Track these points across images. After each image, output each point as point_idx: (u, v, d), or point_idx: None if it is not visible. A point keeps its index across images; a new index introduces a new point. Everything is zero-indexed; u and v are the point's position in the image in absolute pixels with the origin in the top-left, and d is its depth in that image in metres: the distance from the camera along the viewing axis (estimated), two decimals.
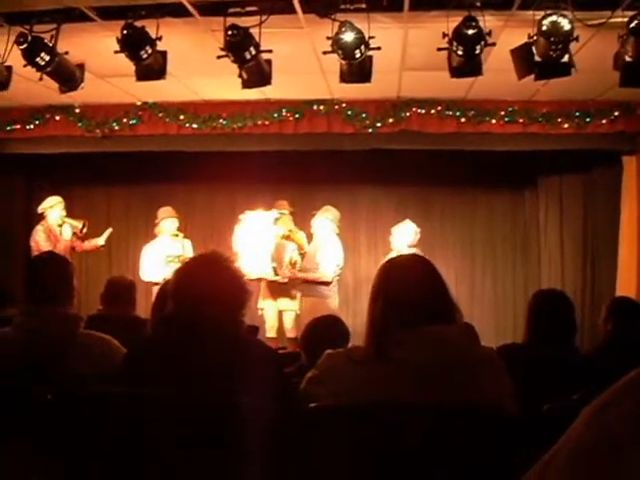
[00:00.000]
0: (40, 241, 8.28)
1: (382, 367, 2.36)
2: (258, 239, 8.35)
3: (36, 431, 2.41)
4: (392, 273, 2.59)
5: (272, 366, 2.61)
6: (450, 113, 8.49)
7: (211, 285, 2.59)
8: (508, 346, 3.83)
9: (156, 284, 7.75)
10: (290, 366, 3.98)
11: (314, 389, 2.49)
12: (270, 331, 8.58)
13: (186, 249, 8.70)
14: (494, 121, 8.48)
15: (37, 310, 3.23)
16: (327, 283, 8.09)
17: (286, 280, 8.34)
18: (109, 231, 8.80)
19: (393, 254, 7.98)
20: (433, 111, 8.52)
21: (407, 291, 2.47)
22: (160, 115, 8.83)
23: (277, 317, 8.69)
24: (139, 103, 8.81)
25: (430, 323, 2.39)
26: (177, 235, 8.78)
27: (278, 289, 8.51)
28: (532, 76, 6.12)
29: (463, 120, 8.51)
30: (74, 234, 8.62)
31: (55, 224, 8.51)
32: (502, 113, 8.46)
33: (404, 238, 8.30)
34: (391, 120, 8.58)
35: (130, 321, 5.01)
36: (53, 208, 8.53)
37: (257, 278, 8.07)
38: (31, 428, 2.41)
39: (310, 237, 8.54)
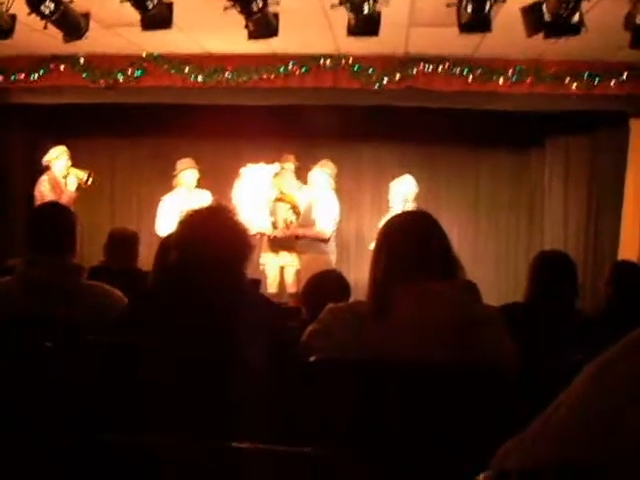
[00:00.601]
0: (45, 191, 8.27)
1: (383, 322, 2.36)
2: (257, 193, 8.34)
3: (33, 379, 2.42)
4: (395, 228, 2.59)
5: (273, 318, 2.61)
6: (457, 71, 8.41)
7: (214, 237, 2.57)
8: (509, 305, 3.84)
9: None
10: (291, 320, 3.99)
11: (315, 342, 2.49)
12: (271, 286, 8.59)
13: (205, 201, 8.63)
14: (501, 80, 8.40)
15: (40, 259, 3.23)
16: (325, 239, 8.09)
17: (284, 235, 8.37)
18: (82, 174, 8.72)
19: (392, 211, 7.97)
20: (440, 68, 8.43)
21: (409, 246, 2.47)
22: (165, 67, 8.75)
23: (279, 272, 8.71)
24: (144, 55, 8.72)
25: (432, 279, 2.40)
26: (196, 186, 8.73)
27: (279, 243, 8.52)
28: (541, 35, 6.06)
29: (470, 78, 8.42)
30: (79, 185, 8.60)
31: (60, 175, 8.49)
32: (510, 72, 8.37)
33: (402, 191, 8.25)
34: (398, 77, 8.51)
35: (132, 273, 5.02)
36: (58, 158, 8.50)
37: (257, 233, 8.06)
38: (29, 375, 2.42)
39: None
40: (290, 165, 8.61)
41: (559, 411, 1.10)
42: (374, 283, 2.48)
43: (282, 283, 8.75)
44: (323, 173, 8.32)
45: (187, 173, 8.74)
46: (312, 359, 2.33)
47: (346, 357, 2.36)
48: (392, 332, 2.33)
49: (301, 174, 8.65)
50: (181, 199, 8.57)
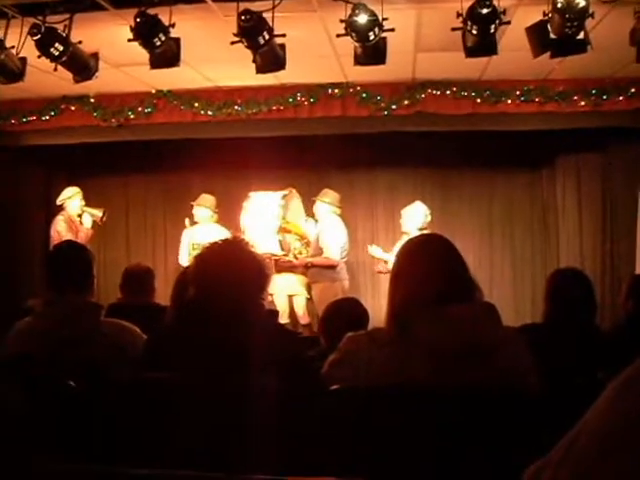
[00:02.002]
0: (62, 231, 8.35)
1: (404, 348, 2.36)
2: (264, 218, 8.39)
3: (58, 419, 2.43)
4: (412, 253, 2.59)
5: (294, 349, 2.61)
6: (465, 94, 8.44)
7: (231, 270, 2.58)
8: (528, 326, 3.82)
9: None
10: (311, 350, 3.98)
11: (336, 372, 2.48)
12: (282, 317, 8.59)
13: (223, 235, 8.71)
14: (510, 101, 8.42)
15: (60, 299, 3.24)
16: (334, 266, 8.08)
17: (293, 266, 8.39)
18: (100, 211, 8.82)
19: (405, 237, 7.97)
20: (448, 92, 8.47)
21: (427, 270, 2.47)
22: (175, 103, 8.82)
23: (287, 302, 8.70)
24: (154, 91, 8.81)
25: (451, 302, 2.39)
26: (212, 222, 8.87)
27: (286, 267, 8.54)
28: (547, 54, 6.07)
29: (479, 101, 8.45)
30: (94, 223, 8.69)
31: (75, 214, 8.60)
32: (518, 93, 8.40)
33: (414, 220, 8.25)
34: (406, 102, 8.54)
35: (150, 309, 5.01)
36: (72, 198, 8.64)
37: (266, 254, 8.07)
38: (54, 416, 2.42)
39: None
40: (295, 194, 8.64)
41: (580, 437, 1.09)
42: (392, 308, 2.48)
43: (292, 314, 8.74)
44: (322, 203, 8.34)
45: (199, 210, 8.87)
46: (334, 388, 2.33)
47: (368, 385, 2.35)
48: (413, 358, 2.32)
49: (310, 206, 8.67)
50: (199, 233, 8.69)
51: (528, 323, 3.93)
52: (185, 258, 8.64)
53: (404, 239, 7.84)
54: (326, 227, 8.18)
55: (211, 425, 2.24)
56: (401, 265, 2.56)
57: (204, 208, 8.89)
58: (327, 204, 8.32)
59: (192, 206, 8.92)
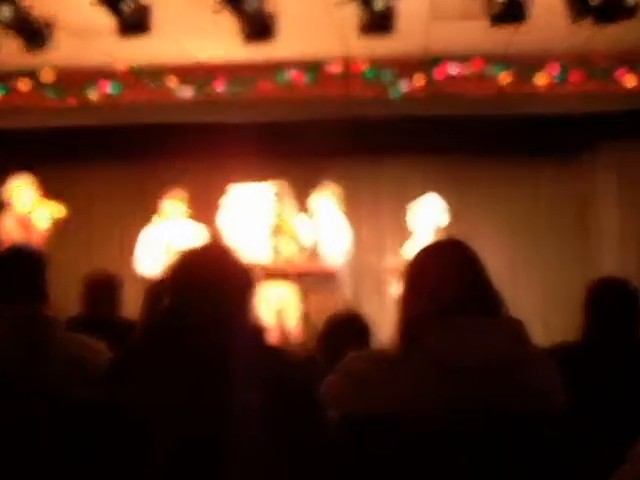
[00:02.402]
0: (9, 231, 8.21)
1: (413, 368, 2.37)
2: (250, 217, 8.35)
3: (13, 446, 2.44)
4: (426, 261, 2.59)
5: (284, 368, 2.61)
6: (489, 71, 8.43)
7: (212, 278, 2.59)
8: (561, 346, 3.81)
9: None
10: (305, 371, 3.98)
11: (335, 395, 2.50)
12: (270, 334, 8.51)
13: (195, 234, 8.66)
14: (541, 79, 8.42)
15: (6, 311, 3.23)
16: (333, 274, 8.07)
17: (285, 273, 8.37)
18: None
19: (416, 237, 7.96)
20: (468, 69, 8.47)
21: (444, 282, 2.48)
22: (146, 81, 8.82)
23: (277, 317, 8.67)
24: (122, 67, 8.79)
25: (471, 318, 2.41)
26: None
27: (276, 276, 8.51)
28: (588, 21, 6.06)
29: (504, 79, 8.44)
30: (50, 220, 8.51)
31: (26, 210, 8.42)
32: (550, 69, 8.40)
33: (426, 217, 8.22)
34: (418, 81, 8.54)
35: (115, 324, 5.00)
36: (21, 190, 8.41)
37: (252, 263, 8.03)
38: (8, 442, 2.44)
39: None
40: (286, 188, 8.59)
41: (635, 466, 1.09)
42: (404, 325, 2.48)
43: (284, 330, 8.72)
44: (324, 197, 8.31)
45: (170, 204, 8.85)
46: (331, 412, 2.34)
47: (372, 410, 2.36)
48: (424, 379, 2.33)
49: (304, 202, 8.67)
50: (165, 231, 8.65)
51: (560, 342, 3.91)
52: (148, 263, 8.60)
53: (414, 239, 7.87)
54: (326, 227, 8.16)
55: (187, 448, 2.27)
56: (414, 275, 2.56)
57: (176, 202, 8.87)
58: (329, 198, 8.30)
59: (162, 200, 8.88)
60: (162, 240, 8.57)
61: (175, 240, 8.49)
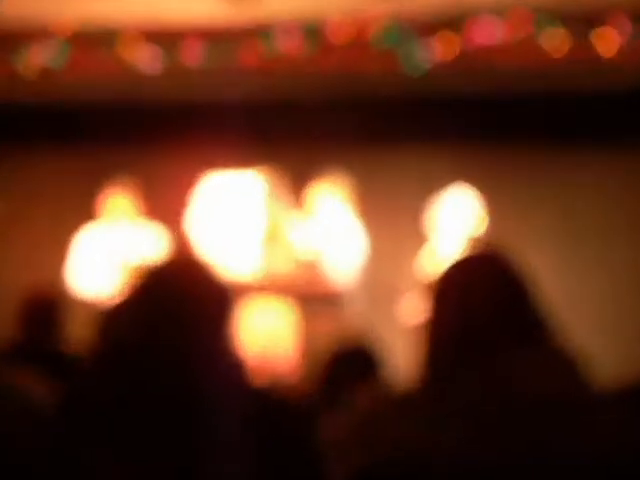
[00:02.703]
0: None
1: (440, 412, 2.36)
2: (231, 215, 8.35)
3: None
4: (455, 279, 2.60)
5: (271, 412, 2.61)
6: (537, 29, 8.41)
7: (180, 300, 2.59)
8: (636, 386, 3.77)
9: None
10: (300, 416, 4.02)
11: (338, 441, 2.51)
12: (255, 368, 8.47)
13: (151, 240, 8.69)
14: (606, 39, 8.38)
15: None
16: (339, 292, 8.08)
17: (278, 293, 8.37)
18: None
19: (441, 246, 7.98)
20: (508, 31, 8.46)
21: (480, 307, 2.48)
22: (97, 47, 8.82)
23: (265, 345, 8.70)
24: (65, 29, 8.79)
25: (512, 348, 2.40)
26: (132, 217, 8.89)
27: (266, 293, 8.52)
28: None
29: (556, 39, 8.42)
30: None
31: None
32: (620, 23, 8.35)
33: (456, 218, 8.24)
34: (444, 47, 8.54)
35: (57, 356, 5.02)
36: None
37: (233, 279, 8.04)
38: None
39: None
40: (277, 179, 8.57)
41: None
42: (428, 357, 2.50)
43: (272, 363, 8.74)
44: (328, 195, 8.33)
45: (116, 200, 8.90)
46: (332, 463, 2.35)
47: (383, 460, 2.36)
48: (449, 423, 2.33)
49: (299, 198, 8.67)
50: (110, 237, 8.74)
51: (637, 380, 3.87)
52: (87, 281, 8.61)
53: (440, 249, 7.88)
54: (332, 231, 8.17)
55: None
56: (440, 296, 2.57)
57: (122, 196, 8.91)
58: (335, 196, 8.31)
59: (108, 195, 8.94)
60: (106, 248, 8.59)
61: (123, 248, 8.51)
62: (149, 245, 8.50)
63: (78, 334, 3.76)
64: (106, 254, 8.59)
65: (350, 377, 3.79)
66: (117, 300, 2.99)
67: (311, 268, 8.22)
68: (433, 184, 9.71)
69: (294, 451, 2.62)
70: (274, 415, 2.69)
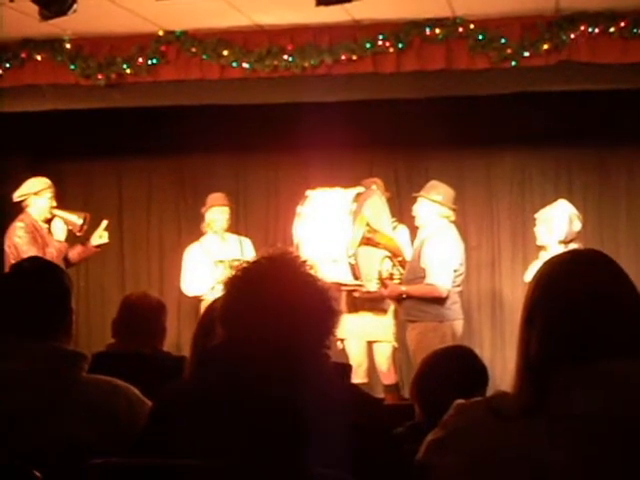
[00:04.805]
0: (21, 244, 8.34)
1: (543, 425, 2.30)
2: (332, 227, 8.34)
3: None
4: (554, 281, 2.52)
5: (372, 422, 2.61)
6: (638, 31, 8.32)
7: (279, 301, 2.58)
8: None
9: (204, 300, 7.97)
10: (398, 426, 3.98)
11: (439, 460, 2.44)
12: (356, 374, 8.45)
13: (244, 251, 8.78)
14: None
15: (14, 347, 3.24)
16: (441, 299, 8.05)
17: (378, 296, 8.38)
18: (104, 224, 8.84)
19: (543, 255, 7.90)
20: (612, 29, 8.36)
21: (580, 309, 2.41)
22: (193, 50, 8.87)
23: (366, 352, 8.68)
24: (161, 33, 8.87)
25: (616, 358, 2.33)
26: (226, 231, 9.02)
27: (366, 302, 8.53)
28: None
29: None
30: (69, 232, 8.67)
31: (41, 219, 8.59)
32: None
33: (556, 228, 8.17)
34: (546, 47, 8.47)
35: (158, 360, 5.05)
36: (39, 196, 8.58)
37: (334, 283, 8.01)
38: None
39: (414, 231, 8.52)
40: (376, 191, 8.58)
41: None
42: (526, 366, 2.43)
43: (372, 369, 8.72)
44: (431, 203, 8.29)
45: (213, 213, 9.03)
46: None
47: None
48: (558, 439, 2.27)
49: (396, 207, 8.63)
50: (210, 247, 8.87)
51: None
52: (194, 285, 8.77)
53: (542, 257, 7.80)
54: (433, 241, 8.13)
55: None
56: (538, 300, 2.49)
57: (220, 208, 9.03)
58: (438, 204, 8.28)
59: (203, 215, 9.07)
60: (209, 256, 8.70)
61: (220, 255, 8.64)
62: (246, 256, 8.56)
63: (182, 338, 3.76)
64: (209, 260, 8.70)
65: (448, 387, 3.71)
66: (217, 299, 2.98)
67: (411, 272, 8.20)
68: (535, 192, 9.67)
69: (388, 455, 2.61)
70: (372, 416, 2.68)
